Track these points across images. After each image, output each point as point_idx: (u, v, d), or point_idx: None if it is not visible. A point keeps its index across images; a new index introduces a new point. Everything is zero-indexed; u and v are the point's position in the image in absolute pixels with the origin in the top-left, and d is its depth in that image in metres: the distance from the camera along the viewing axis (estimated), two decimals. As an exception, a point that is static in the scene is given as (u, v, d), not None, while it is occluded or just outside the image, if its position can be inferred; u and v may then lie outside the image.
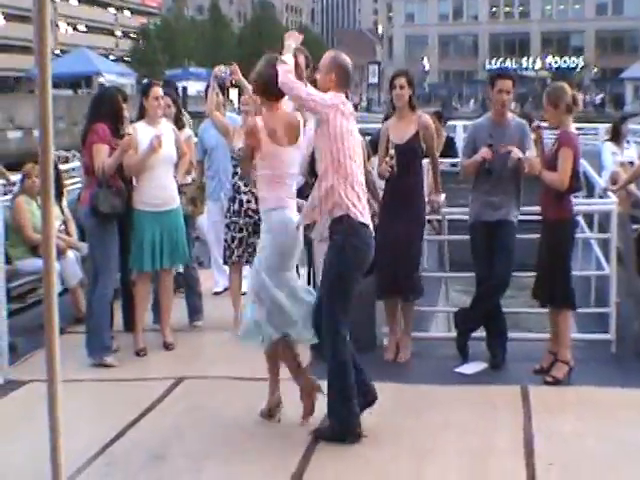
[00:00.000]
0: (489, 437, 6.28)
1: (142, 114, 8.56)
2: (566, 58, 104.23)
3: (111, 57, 69.66)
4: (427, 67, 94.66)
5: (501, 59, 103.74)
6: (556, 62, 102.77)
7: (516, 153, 7.48)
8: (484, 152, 7.68)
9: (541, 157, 7.54)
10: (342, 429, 6.20)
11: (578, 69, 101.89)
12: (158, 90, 8.52)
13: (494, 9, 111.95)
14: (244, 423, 6.60)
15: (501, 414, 6.71)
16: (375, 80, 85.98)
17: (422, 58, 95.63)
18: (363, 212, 6.19)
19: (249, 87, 8.69)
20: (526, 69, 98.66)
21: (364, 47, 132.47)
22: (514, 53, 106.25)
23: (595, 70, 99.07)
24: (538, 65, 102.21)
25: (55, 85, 28.93)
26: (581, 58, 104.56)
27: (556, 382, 7.36)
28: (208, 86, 9.07)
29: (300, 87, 6.10)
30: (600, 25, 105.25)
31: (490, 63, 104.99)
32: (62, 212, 9.77)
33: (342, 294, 6.20)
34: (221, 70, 8.86)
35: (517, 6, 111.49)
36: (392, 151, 7.74)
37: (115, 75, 46.47)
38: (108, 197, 8.06)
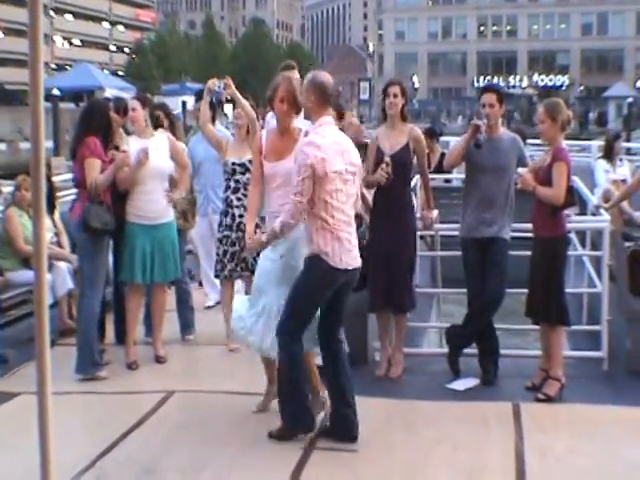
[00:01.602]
0: (481, 454, 6.20)
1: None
2: (552, 76, 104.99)
3: (105, 71, 69.65)
4: (417, 84, 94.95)
5: (489, 77, 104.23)
6: (542, 80, 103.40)
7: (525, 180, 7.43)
8: (475, 122, 7.62)
9: (533, 173, 7.44)
10: (292, 424, 6.35)
11: (564, 87, 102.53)
12: (131, 102, 8.50)
13: (482, 28, 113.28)
14: (235, 438, 6.51)
15: (493, 431, 6.62)
16: (366, 96, 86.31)
17: (412, 75, 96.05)
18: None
19: (243, 101, 8.67)
20: (513, 87, 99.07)
21: (354, 63, 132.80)
22: (501, 71, 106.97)
23: (581, 88, 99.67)
24: (525, 83, 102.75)
25: (59, 99, 28.99)
26: (567, 76, 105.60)
27: (548, 399, 7.28)
28: (201, 99, 9.02)
29: (288, 211, 6.15)
30: (585, 44, 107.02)
31: (478, 81, 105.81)
32: (54, 224, 9.66)
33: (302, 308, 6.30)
34: (215, 84, 8.83)
35: (505, 25, 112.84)
36: (387, 158, 7.64)
37: (117, 89, 47.12)
38: (99, 213, 7.95)
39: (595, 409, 7.13)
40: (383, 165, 7.64)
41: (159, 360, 8.51)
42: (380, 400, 7.08)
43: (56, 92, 26.60)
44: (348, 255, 6.23)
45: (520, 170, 7.45)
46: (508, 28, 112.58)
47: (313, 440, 6.36)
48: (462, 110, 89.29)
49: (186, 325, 9.25)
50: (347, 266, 6.21)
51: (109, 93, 35.11)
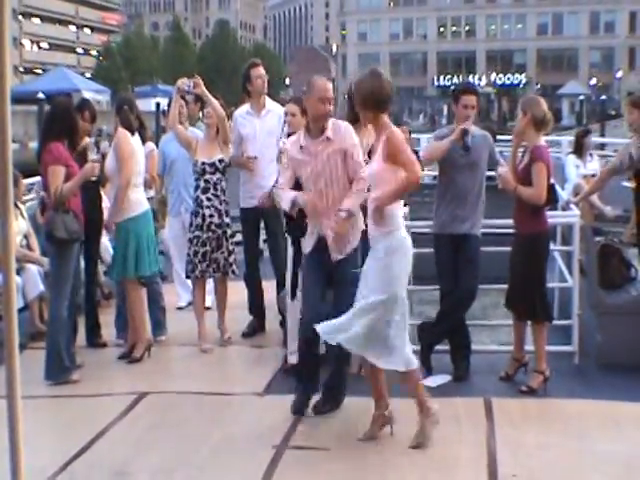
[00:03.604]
0: (453, 449, 6.14)
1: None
2: (510, 75, 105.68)
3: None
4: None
5: (449, 76, 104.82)
6: (500, 79, 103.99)
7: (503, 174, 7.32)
8: (463, 126, 7.52)
9: (513, 172, 7.33)
10: None
11: (521, 85, 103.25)
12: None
13: (442, 29, 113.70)
14: (207, 439, 6.41)
15: (465, 426, 6.56)
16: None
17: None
18: None
19: (213, 100, 8.51)
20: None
21: (318, 63, 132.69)
22: (461, 70, 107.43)
23: (537, 87, 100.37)
24: (484, 82, 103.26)
25: (36, 102, 28.84)
26: (523, 75, 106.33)
27: (531, 392, 7.25)
28: (171, 100, 8.87)
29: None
30: (541, 44, 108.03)
31: (438, 80, 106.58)
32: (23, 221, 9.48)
33: None
34: (184, 83, 8.68)
35: (464, 26, 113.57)
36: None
37: (92, 92, 47.26)
38: (65, 222, 7.63)
39: (566, 403, 7.08)
40: None
41: (131, 362, 8.34)
42: (352, 398, 6.96)
43: (41, 95, 26.49)
44: None
45: (500, 170, 7.33)
46: (467, 28, 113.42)
47: (286, 439, 6.27)
48: (423, 109, 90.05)
49: (157, 326, 9.03)
50: None
51: (87, 96, 35.29)
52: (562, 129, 48.93)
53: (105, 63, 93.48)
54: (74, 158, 7.86)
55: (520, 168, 7.32)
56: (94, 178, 8.06)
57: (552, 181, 7.31)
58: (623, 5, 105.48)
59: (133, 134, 8.37)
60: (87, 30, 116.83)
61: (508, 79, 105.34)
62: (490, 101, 78.35)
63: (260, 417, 6.83)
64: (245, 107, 9.19)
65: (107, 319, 9.10)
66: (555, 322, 8.44)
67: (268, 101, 9.04)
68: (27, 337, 8.76)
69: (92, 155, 8.10)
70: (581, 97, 51.54)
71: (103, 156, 8.52)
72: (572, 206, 8.70)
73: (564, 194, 10.28)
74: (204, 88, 8.59)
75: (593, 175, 11.85)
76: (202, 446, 6.24)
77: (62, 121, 7.80)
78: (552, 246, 9.46)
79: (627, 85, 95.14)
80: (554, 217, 9.01)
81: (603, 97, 53.69)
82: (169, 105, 9.04)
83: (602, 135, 30.31)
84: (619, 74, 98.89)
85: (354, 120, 7.63)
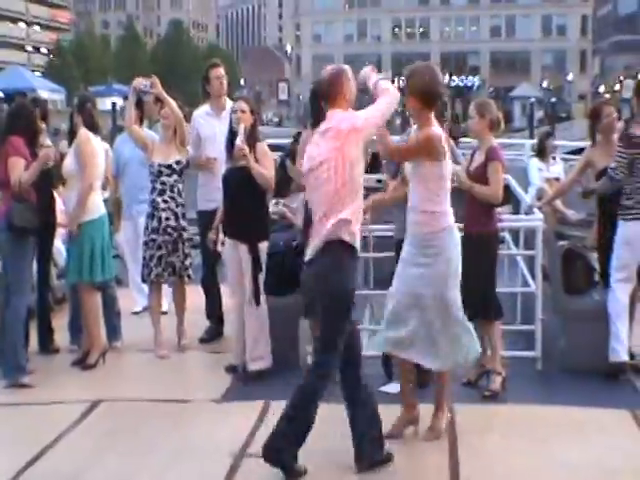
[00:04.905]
0: (415, 455, 6.11)
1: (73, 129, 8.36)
2: (463, 77, 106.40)
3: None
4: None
5: (403, 78, 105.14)
6: (454, 81, 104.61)
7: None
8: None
9: (467, 172, 7.34)
10: None
11: (475, 87, 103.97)
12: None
13: (396, 30, 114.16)
14: (163, 448, 6.29)
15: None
16: (285, 97, 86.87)
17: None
18: None
19: (170, 101, 8.40)
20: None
21: (272, 64, 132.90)
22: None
23: (491, 89, 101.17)
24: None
25: (4, 101, 28.82)
26: (477, 77, 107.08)
27: (494, 395, 7.23)
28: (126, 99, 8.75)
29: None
30: (494, 46, 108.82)
31: (393, 82, 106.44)
32: None
33: None
34: (141, 83, 8.53)
35: (418, 27, 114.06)
36: None
37: (48, 91, 47.06)
38: (24, 212, 7.69)
39: (529, 409, 7.04)
40: None
41: (85, 368, 8.19)
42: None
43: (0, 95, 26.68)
44: None
45: (456, 168, 7.27)
46: (421, 30, 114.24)
47: (244, 447, 6.18)
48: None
49: (113, 331, 8.83)
50: None
51: (44, 95, 35.15)
52: (514, 131, 49.26)
53: (56, 61, 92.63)
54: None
55: (474, 167, 7.34)
56: (50, 164, 8.00)
57: (507, 182, 7.33)
58: (574, 9, 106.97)
59: (96, 134, 8.25)
60: (37, 27, 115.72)
61: (462, 81, 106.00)
62: (444, 103, 78.79)
63: (218, 424, 6.73)
64: (204, 108, 9.09)
65: (60, 324, 8.92)
66: (518, 327, 8.47)
67: (229, 102, 8.90)
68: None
69: (46, 141, 8.10)
70: (531, 99, 51.93)
71: (62, 156, 8.38)
72: (535, 210, 8.67)
73: (527, 198, 10.26)
74: (161, 88, 8.48)
75: (557, 178, 11.86)
76: (158, 455, 6.15)
77: (26, 121, 7.94)
78: (515, 250, 9.50)
79: (578, 88, 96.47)
80: (517, 221, 9.04)
81: (553, 100, 54.23)
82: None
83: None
84: (570, 77, 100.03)
85: (317, 122, 7.57)
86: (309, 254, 5.78)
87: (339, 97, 5.83)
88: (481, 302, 7.28)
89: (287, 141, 9.73)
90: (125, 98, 9.41)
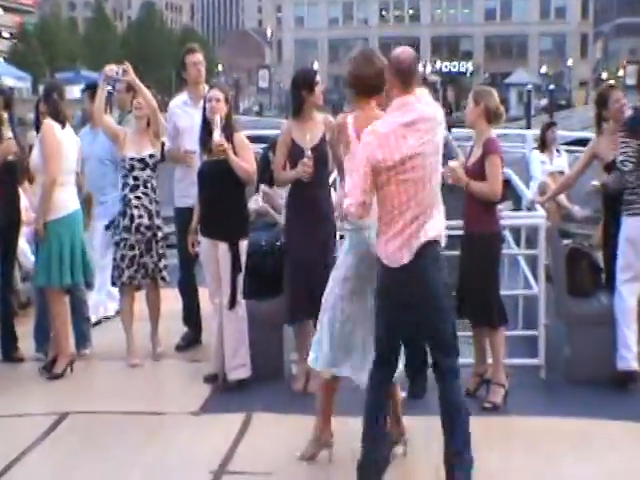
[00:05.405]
0: (408, 471, 6.16)
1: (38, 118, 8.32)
2: (456, 62, 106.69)
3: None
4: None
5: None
6: (446, 66, 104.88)
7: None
8: None
9: (463, 167, 7.28)
10: None
11: (468, 73, 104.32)
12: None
13: (384, 13, 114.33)
14: (137, 464, 6.31)
15: (422, 446, 6.48)
16: (265, 85, 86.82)
17: (312, 63, 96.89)
18: None
19: (144, 89, 8.33)
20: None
21: (251, 49, 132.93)
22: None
23: (486, 75, 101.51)
24: (429, 69, 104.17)
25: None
26: (470, 62, 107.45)
27: (494, 408, 7.21)
28: (89, 88, 8.68)
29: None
30: (489, 30, 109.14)
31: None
32: None
33: None
34: (112, 70, 8.44)
35: (407, 10, 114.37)
36: (309, 152, 7.29)
37: (13, 79, 46.95)
38: None
39: (532, 421, 7.03)
40: (305, 159, 7.30)
41: (52, 377, 8.14)
42: (298, 417, 6.89)
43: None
44: None
45: (450, 163, 7.21)
46: (411, 12, 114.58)
47: (224, 463, 6.19)
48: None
49: (81, 338, 8.76)
50: None
51: (10, 83, 35.20)
52: (509, 120, 49.29)
53: (20, 46, 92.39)
54: None
55: (471, 162, 7.29)
56: (10, 158, 8.02)
57: (507, 176, 7.29)
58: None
59: (63, 126, 8.16)
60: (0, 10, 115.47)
61: (454, 67, 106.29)
62: (436, 90, 78.82)
63: (196, 439, 6.72)
64: (181, 97, 9.03)
65: (25, 330, 8.84)
66: (520, 333, 8.47)
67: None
68: None
69: (7, 132, 8.09)
70: (529, 87, 52.01)
71: (30, 147, 8.40)
72: (538, 206, 8.65)
73: (529, 193, 10.27)
74: (134, 75, 8.39)
75: (561, 172, 11.85)
76: (131, 472, 6.18)
77: None
78: (516, 250, 9.47)
79: (578, 74, 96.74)
80: (518, 218, 9.01)
81: (551, 87, 54.28)
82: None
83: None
84: (570, 62, 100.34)
85: (298, 111, 7.54)
86: (402, 259, 5.58)
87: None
88: (483, 307, 7.27)
89: (269, 132, 9.70)
90: (88, 87, 9.36)
